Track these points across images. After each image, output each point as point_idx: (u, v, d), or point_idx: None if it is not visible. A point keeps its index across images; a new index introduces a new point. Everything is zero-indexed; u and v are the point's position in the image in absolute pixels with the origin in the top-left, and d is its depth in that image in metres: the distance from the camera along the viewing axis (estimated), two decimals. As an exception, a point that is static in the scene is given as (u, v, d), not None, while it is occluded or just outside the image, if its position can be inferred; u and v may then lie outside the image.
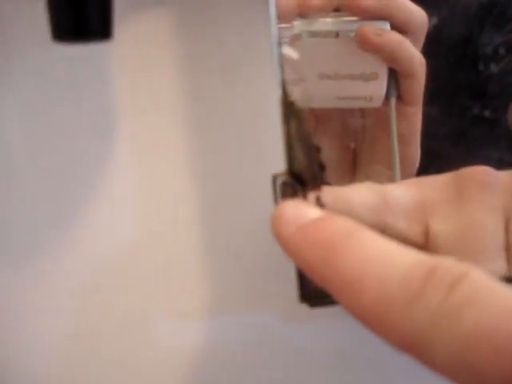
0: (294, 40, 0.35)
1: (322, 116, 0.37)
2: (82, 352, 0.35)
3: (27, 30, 0.32)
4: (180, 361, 0.36)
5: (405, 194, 0.28)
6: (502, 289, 0.18)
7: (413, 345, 0.18)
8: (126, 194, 0.34)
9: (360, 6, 0.34)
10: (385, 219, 0.28)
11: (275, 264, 0.35)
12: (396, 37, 0.34)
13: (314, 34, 0.35)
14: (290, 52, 0.32)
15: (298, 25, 0.35)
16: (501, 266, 0.27)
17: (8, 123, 0.33)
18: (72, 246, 0.34)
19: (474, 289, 0.18)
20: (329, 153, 0.37)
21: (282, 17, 0.28)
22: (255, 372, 0.36)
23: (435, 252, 0.27)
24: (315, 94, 0.35)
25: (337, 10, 0.35)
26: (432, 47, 0.36)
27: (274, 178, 0.25)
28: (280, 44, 0.27)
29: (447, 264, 0.19)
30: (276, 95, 0.25)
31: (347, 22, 0.35)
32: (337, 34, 0.35)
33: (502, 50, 0.39)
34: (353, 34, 0.35)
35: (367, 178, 0.38)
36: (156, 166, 0.34)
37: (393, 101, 0.36)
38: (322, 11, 0.35)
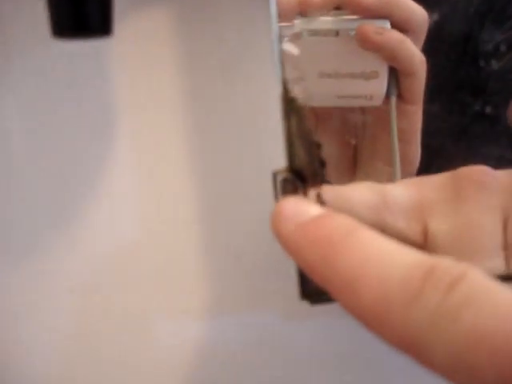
0: (295, 38, 0.35)
1: (322, 113, 0.37)
2: (82, 352, 0.35)
3: (27, 29, 0.32)
4: (180, 360, 0.36)
5: (404, 193, 0.28)
6: (501, 289, 0.18)
7: (411, 345, 0.18)
8: (125, 193, 0.34)
9: (360, 5, 0.34)
10: (384, 218, 0.28)
11: (275, 263, 0.35)
12: (396, 35, 0.34)
13: (315, 33, 0.35)
14: (290, 48, 0.32)
15: (299, 23, 0.35)
16: (499, 264, 0.27)
17: (8, 123, 0.33)
18: (72, 245, 0.34)
19: (473, 289, 0.18)
20: (329, 149, 0.37)
21: (283, 15, 0.28)
22: (255, 371, 0.36)
23: (434, 251, 0.28)
24: (315, 93, 0.36)
25: (337, 8, 0.35)
26: (433, 44, 0.36)
27: (275, 175, 0.25)
28: (280, 40, 0.27)
29: (446, 264, 0.19)
30: (276, 92, 0.25)
31: (347, 21, 0.35)
32: (337, 33, 0.35)
33: (502, 47, 0.39)
34: (353, 33, 0.35)
35: (368, 175, 0.38)
36: (156, 165, 0.34)
37: (393, 99, 0.36)
38: (323, 10, 0.35)
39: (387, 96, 0.36)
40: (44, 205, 0.34)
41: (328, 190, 0.25)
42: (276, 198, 0.25)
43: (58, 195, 0.34)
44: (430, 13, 0.36)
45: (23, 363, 0.35)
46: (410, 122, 0.36)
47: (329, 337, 0.36)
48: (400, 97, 0.36)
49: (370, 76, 0.35)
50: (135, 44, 0.33)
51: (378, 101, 0.36)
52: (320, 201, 0.24)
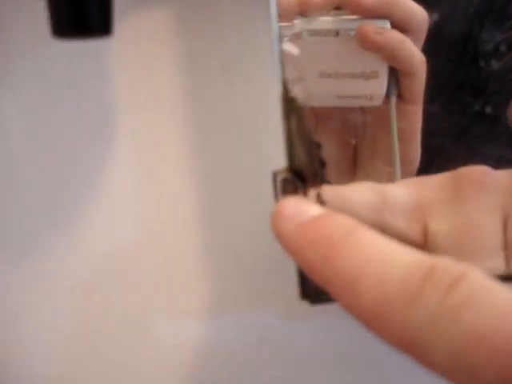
0: (295, 38, 0.35)
1: (322, 113, 0.37)
2: (81, 352, 0.35)
3: (27, 29, 0.32)
4: (180, 360, 0.36)
5: (404, 193, 0.28)
6: (501, 289, 0.18)
7: (411, 345, 0.18)
8: (125, 193, 0.34)
9: (360, 5, 0.34)
10: (384, 218, 0.28)
11: (275, 263, 0.35)
12: (397, 35, 0.34)
13: (315, 33, 0.35)
14: (290, 48, 0.32)
15: (299, 23, 0.35)
16: (499, 264, 0.27)
17: (8, 122, 0.33)
18: (72, 245, 0.34)
19: (473, 289, 0.18)
20: (329, 149, 0.37)
21: (283, 15, 0.28)
22: (255, 371, 0.36)
23: (434, 251, 0.28)
24: (315, 93, 0.35)
25: (337, 8, 0.35)
26: (433, 44, 0.36)
27: (275, 175, 0.25)
28: (280, 40, 0.27)
29: (446, 264, 0.19)
30: (276, 92, 0.25)
31: (347, 21, 0.35)
32: (337, 33, 0.35)
33: (503, 47, 0.39)
34: (353, 33, 0.35)
35: (368, 175, 0.38)
36: (156, 165, 0.34)
37: (393, 99, 0.36)
38: (323, 10, 0.35)
39: (387, 96, 0.36)
40: (44, 205, 0.34)
41: (328, 190, 0.25)
42: (276, 198, 0.25)
43: (57, 195, 0.34)
44: (430, 13, 0.36)
45: (23, 363, 0.35)
46: (410, 122, 0.36)
47: (329, 337, 0.36)
48: (400, 97, 0.36)
49: (370, 76, 0.35)
50: (135, 44, 0.33)
51: (377, 101, 0.36)
52: (320, 201, 0.24)
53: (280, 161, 0.26)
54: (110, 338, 0.35)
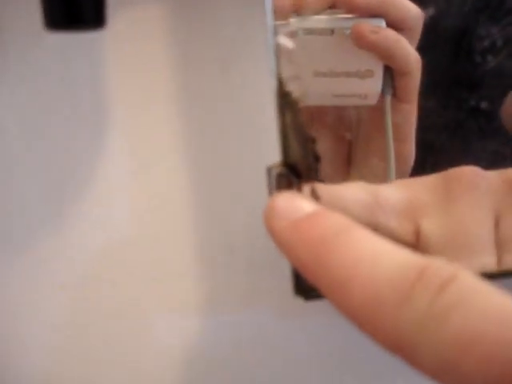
0: (290, 37, 0.35)
1: (317, 108, 0.37)
2: (75, 349, 0.35)
3: (20, 23, 0.32)
4: (174, 358, 0.36)
5: (396, 194, 0.28)
6: (491, 291, 0.18)
7: (401, 347, 0.18)
8: (121, 189, 0.34)
9: (355, 4, 0.34)
10: (377, 218, 0.28)
11: (270, 261, 0.35)
12: (392, 34, 0.34)
13: (310, 32, 0.35)
14: (285, 41, 0.32)
15: (294, 22, 0.34)
16: (491, 263, 0.27)
17: (1, 119, 0.33)
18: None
19: (463, 291, 0.18)
20: (324, 144, 0.37)
21: (279, 14, 0.28)
22: (250, 369, 0.36)
23: (426, 251, 0.28)
24: (310, 92, 0.35)
25: (332, 7, 0.35)
26: (429, 39, 0.36)
27: (269, 170, 0.25)
28: (275, 35, 0.27)
29: (437, 265, 0.19)
30: (271, 86, 0.25)
31: (343, 20, 0.35)
32: (332, 32, 0.35)
33: (499, 43, 0.39)
34: (348, 32, 0.34)
35: (362, 170, 0.38)
36: (150, 160, 0.34)
37: (388, 98, 0.36)
38: (318, 8, 0.35)
39: (382, 95, 0.36)
40: (38, 199, 0.34)
41: (322, 188, 0.25)
42: (270, 193, 0.25)
43: (50, 192, 0.34)
44: (425, 8, 0.36)
45: (21, 361, 0.35)
46: (405, 121, 0.36)
47: (324, 334, 0.36)
48: (395, 95, 0.36)
49: (365, 75, 0.35)
50: (130, 40, 0.33)
51: (372, 100, 0.36)
52: (314, 196, 0.24)
53: (275, 158, 0.26)
54: (105, 335, 0.35)
